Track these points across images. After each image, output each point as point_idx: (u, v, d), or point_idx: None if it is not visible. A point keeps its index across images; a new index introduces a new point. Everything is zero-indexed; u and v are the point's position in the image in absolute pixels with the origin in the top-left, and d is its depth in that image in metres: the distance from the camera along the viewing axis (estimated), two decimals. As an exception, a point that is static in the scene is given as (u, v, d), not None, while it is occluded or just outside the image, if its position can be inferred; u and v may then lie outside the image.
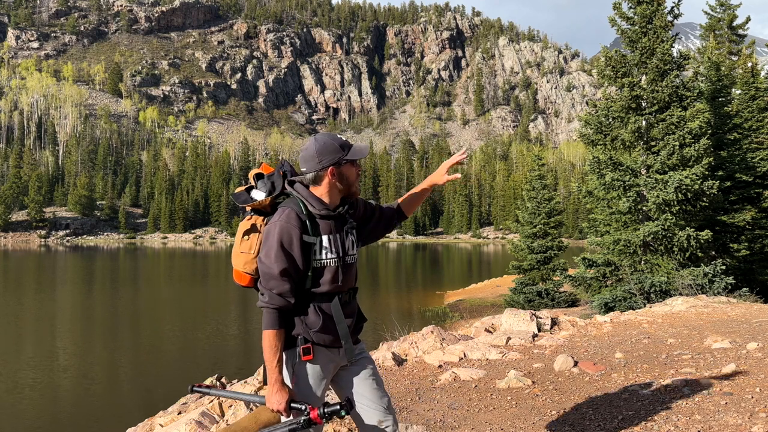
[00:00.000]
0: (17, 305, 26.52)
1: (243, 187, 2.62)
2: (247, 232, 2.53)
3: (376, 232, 2.80)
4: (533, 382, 5.10)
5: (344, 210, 2.56)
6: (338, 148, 2.50)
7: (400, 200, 2.88)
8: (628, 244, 13.78)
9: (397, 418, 2.64)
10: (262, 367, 6.30)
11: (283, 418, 2.45)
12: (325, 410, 2.37)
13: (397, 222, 2.85)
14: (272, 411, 2.42)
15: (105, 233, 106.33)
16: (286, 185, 2.56)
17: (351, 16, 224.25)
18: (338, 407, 2.38)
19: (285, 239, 2.39)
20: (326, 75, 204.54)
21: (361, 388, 2.58)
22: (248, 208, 2.57)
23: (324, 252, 2.47)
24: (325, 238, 2.47)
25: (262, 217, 2.55)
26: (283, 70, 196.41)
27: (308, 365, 2.49)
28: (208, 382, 6.73)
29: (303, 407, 2.38)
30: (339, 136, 2.56)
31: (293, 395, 2.43)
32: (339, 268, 2.50)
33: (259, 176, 2.61)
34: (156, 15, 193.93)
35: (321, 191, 2.51)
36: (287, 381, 2.50)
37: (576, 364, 5.51)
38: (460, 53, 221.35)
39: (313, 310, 2.47)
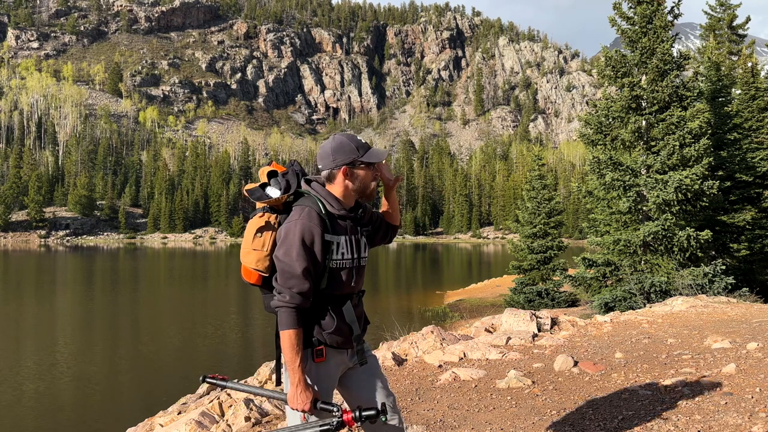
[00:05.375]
0: (17, 306, 26.52)
1: (256, 184, 2.58)
2: (260, 230, 2.48)
3: (375, 240, 2.77)
4: (533, 382, 5.10)
5: (359, 213, 2.57)
6: (354, 149, 2.48)
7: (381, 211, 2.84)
8: (628, 244, 13.78)
9: (402, 417, 2.64)
10: (263, 366, 6.30)
11: (312, 417, 2.39)
12: (362, 413, 2.27)
13: (392, 234, 2.81)
14: (296, 411, 2.37)
15: (105, 233, 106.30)
16: (303, 184, 2.54)
17: (351, 16, 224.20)
18: (376, 413, 2.27)
19: (307, 237, 2.36)
20: (326, 75, 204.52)
21: (366, 388, 2.57)
22: (260, 205, 2.54)
23: (341, 253, 2.46)
24: (343, 238, 2.47)
25: (275, 215, 2.51)
26: (283, 70, 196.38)
27: (320, 367, 2.47)
28: (208, 382, 6.70)
29: (335, 408, 2.30)
30: (359, 138, 2.53)
31: (317, 395, 2.38)
32: (353, 270, 2.50)
33: (272, 174, 2.57)
34: (156, 15, 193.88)
35: (335, 190, 2.50)
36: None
37: (576, 364, 5.51)
38: (460, 53, 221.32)
39: (327, 311, 2.46)
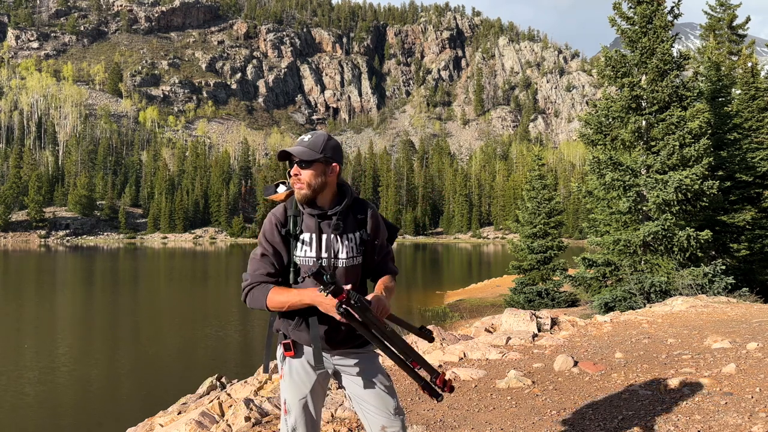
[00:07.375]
0: (17, 306, 26.51)
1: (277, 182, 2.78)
2: (261, 221, 2.64)
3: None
4: (533, 382, 5.10)
5: (337, 212, 2.51)
6: None
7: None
8: (628, 244, 13.78)
9: (405, 420, 2.59)
10: (261, 367, 6.30)
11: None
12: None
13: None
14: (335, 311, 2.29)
15: (105, 233, 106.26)
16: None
17: (351, 16, 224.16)
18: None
19: (268, 230, 2.51)
20: (326, 75, 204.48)
21: (367, 391, 2.55)
22: (271, 200, 2.69)
23: (304, 249, 2.49)
24: (306, 235, 2.49)
25: None
26: (283, 70, 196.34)
27: (292, 361, 2.54)
28: (207, 382, 6.72)
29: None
30: (302, 137, 2.54)
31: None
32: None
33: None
34: (156, 15, 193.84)
35: None
36: (278, 373, 2.62)
37: (576, 364, 5.51)
38: (460, 53, 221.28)
39: None
